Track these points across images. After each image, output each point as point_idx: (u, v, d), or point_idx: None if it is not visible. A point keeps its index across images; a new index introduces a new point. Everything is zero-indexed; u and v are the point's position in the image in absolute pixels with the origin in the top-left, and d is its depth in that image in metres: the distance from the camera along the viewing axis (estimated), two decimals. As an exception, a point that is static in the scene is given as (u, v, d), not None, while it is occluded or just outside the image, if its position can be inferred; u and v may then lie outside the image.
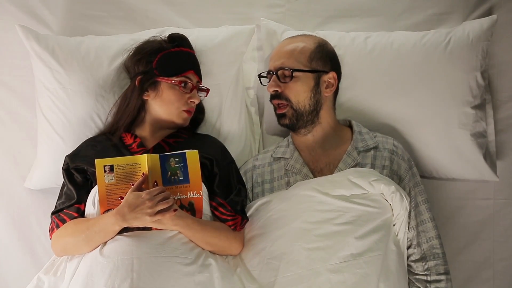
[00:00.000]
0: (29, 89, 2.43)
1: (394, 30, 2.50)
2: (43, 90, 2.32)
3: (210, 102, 2.34)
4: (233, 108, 2.40)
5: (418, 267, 2.14)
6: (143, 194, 1.88)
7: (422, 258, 2.14)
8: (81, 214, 2.05)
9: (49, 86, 2.31)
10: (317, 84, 2.23)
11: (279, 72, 2.23)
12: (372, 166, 2.19)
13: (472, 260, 2.46)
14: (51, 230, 2.07)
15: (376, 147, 2.24)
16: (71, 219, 2.03)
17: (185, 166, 1.96)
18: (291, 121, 2.24)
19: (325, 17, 2.60)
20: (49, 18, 2.51)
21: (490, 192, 2.47)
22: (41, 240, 2.42)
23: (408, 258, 2.14)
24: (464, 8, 2.54)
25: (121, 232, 1.93)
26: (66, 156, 2.15)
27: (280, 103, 2.24)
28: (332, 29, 2.53)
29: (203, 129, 2.35)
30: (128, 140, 2.16)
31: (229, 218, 2.08)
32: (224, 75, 2.37)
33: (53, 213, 2.09)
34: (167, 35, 2.23)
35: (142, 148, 2.12)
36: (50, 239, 2.07)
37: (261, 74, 2.34)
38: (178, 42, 2.19)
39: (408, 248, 2.14)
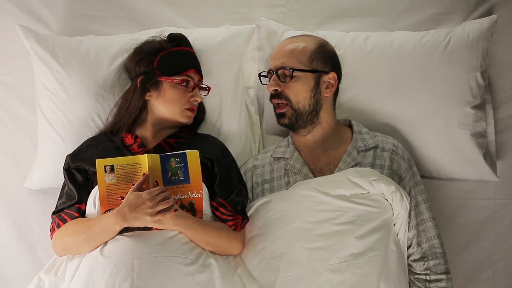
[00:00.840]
0: (29, 89, 2.43)
1: (394, 30, 2.50)
2: (43, 90, 2.32)
3: (210, 102, 2.34)
4: (233, 108, 2.40)
5: (418, 267, 2.14)
6: (144, 194, 1.88)
7: (423, 258, 2.14)
8: (82, 214, 2.06)
9: (49, 86, 2.31)
10: (317, 84, 2.23)
11: (280, 72, 2.23)
12: (372, 165, 2.19)
13: (472, 260, 2.46)
14: (52, 230, 2.07)
15: (376, 147, 2.24)
16: (72, 219, 2.04)
17: (185, 166, 1.96)
18: (290, 121, 2.24)
19: (325, 17, 2.59)
20: (49, 18, 2.51)
21: (490, 192, 2.47)
22: (41, 240, 2.42)
23: (408, 257, 2.14)
24: (464, 8, 2.54)
25: (121, 232, 1.93)
26: (67, 155, 2.15)
27: (279, 102, 2.24)
28: (332, 29, 2.53)
29: (203, 129, 2.35)
30: (129, 140, 2.16)
31: (229, 218, 2.08)
32: (224, 75, 2.37)
33: (53, 213, 2.09)
34: (167, 35, 2.23)
35: (143, 149, 2.12)
36: (51, 238, 2.07)
37: (262, 73, 2.34)
38: (178, 41, 2.19)
39: (408, 247, 2.14)
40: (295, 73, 2.21)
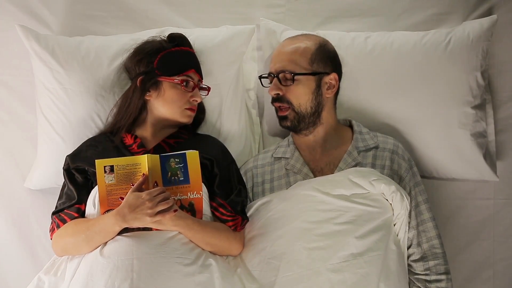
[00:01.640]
0: (29, 89, 2.43)
1: (394, 30, 2.50)
2: (43, 90, 2.32)
3: (210, 102, 2.34)
4: (233, 108, 2.40)
5: (418, 267, 2.14)
6: (143, 194, 1.88)
7: (423, 258, 2.14)
8: (82, 214, 2.05)
9: (49, 86, 2.31)
10: (318, 86, 2.23)
11: (280, 75, 2.22)
12: (373, 165, 2.19)
13: (472, 260, 2.46)
14: (52, 230, 2.07)
15: (376, 147, 2.24)
16: (71, 219, 2.03)
17: (185, 167, 1.95)
18: (292, 124, 2.24)
19: (325, 17, 2.59)
20: (49, 18, 2.51)
21: (490, 192, 2.47)
22: (41, 240, 2.42)
23: (408, 257, 2.14)
24: (464, 8, 2.54)
25: (121, 232, 1.92)
26: (67, 156, 2.15)
27: (281, 105, 2.24)
28: (332, 29, 2.53)
29: (203, 129, 2.35)
30: (129, 140, 2.16)
31: (229, 218, 2.08)
32: (224, 75, 2.37)
33: (53, 213, 2.09)
34: (167, 35, 2.23)
35: (143, 149, 2.12)
36: (51, 239, 2.07)
37: (262, 76, 2.33)
38: (178, 41, 2.19)
39: (408, 247, 2.14)
40: (296, 77, 2.20)
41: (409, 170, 2.22)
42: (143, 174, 1.93)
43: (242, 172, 2.30)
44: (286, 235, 2.03)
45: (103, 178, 1.93)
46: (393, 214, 2.08)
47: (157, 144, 2.16)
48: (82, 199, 2.06)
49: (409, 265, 2.15)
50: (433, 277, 2.13)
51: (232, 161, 2.20)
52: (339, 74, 2.29)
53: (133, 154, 2.11)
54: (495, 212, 2.46)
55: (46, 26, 2.50)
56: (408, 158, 2.25)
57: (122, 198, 1.90)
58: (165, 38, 2.22)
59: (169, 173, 1.96)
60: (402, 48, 2.40)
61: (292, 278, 1.96)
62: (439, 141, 2.36)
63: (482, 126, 2.39)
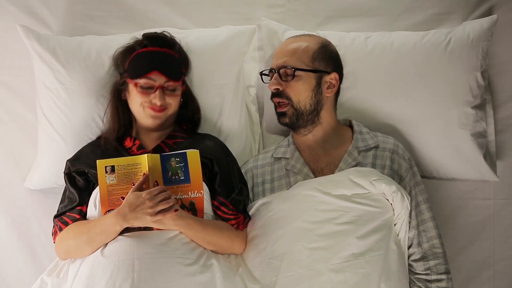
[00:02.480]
0: (29, 89, 2.43)
1: (394, 30, 2.50)
2: (44, 90, 2.32)
3: (211, 102, 2.34)
4: (233, 108, 2.40)
5: (419, 267, 2.14)
6: (144, 194, 1.88)
7: (423, 258, 2.14)
8: (84, 216, 2.06)
9: (50, 86, 2.30)
10: (318, 84, 2.23)
11: (281, 71, 2.23)
12: (373, 165, 2.19)
13: (472, 260, 2.46)
14: (54, 234, 2.08)
15: (376, 147, 2.24)
16: (73, 222, 2.04)
17: (186, 166, 1.95)
18: (291, 120, 2.24)
19: (325, 17, 2.59)
20: (49, 18, 2.51)
21: (490, 192, 2.47)
22: (41, 240, 2.42)
23: (409, 257, 2.14)
24: (464, 8, 2.54)
25: (122, 232, 1.92)
26: (67, 160, 2.16)
27: (280, 101, 2.24)
28: (332, 29, 2.53)
29: (203, 129, 2.34)
30: (128, 143, 2.16)
31: (231, 217, 2.08)
32: (225, 75, 2.37)
33: (55, 217, 2.09)
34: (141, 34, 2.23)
35: (142, 151, 2.13)
36: (54, 242, 2.08)
37: (263, 72, 2.33)
38: (147, 42, 2.17)
39: (409, 247, 2.14)
40: (297, 73, 2.20)
41: (409, 170, 2.22)
42: (144, 173, 1.93)
43: (242, 172, 2.30)
44: (287, 235, 2.03)
45: (104, 178, 1.93)
46: (394, 214, 2.08)
47: (156, 146, 2.16)
48: (84, 201, 2.06)
49: (409, 265, 2.15)
50: (434, 277, 2.13)
51: (232, 159, 2.20)
52: (340, 75, 2.29)
53: (132, 156, 2.11)
54: (495, 212, 2.47)
55: (46, 26, 2.50)
56: (408, 158, 2.25)
57: (123, 198, 1.90)
58: (140, 38, 2.21)
59: (170, 172, 1.96)
60: (402, 48, 2.40)
61: (293, 278, 1.96)
62: (439, 141, 2.36)
63: (482, 126, 2.39)
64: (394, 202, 2.07)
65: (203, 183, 2.00)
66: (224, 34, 2.41)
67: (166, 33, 2.23)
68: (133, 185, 1.92)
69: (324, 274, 1.94)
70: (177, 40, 2.25)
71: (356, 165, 2.19)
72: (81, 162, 2.13)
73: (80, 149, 2.20)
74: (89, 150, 2.19)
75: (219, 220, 2.08)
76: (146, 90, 2.10)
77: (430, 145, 2.37)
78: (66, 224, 2.04)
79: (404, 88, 2.37)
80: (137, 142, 2.16)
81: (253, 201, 2.23)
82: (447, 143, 2.36)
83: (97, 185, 1.97)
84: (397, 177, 2.19)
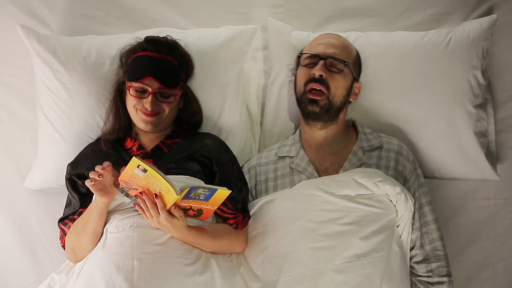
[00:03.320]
0: (29, 89, 2.43)
1: (394, 30, 2.50)
2: (44, 90, 2.31)
3: (211, 102, 2.34)
4: (233, 108, 2.40)
5: (421, 269, 2.14)
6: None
7: (425, 260, 2.14)
8: None
9: (50, 86, 2.30)
10: (351, 86, 2.27)
11: (329, 61, 2.23)
12: (377, 166, 2.20)
13: (472, 260, 2.46)
14: (61, 238, 2.10)
15: (380, 147, 2.24)
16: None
17: (210, 195, 1.85)
18: (321, 110, 2.23)
19: (325, 17, 2.59)
20: (49, 18, 2.51)
21: (490, 192, 2.47)
22: (41, 240, 2.42)
23: (411, 259, 2.15)
24: (464, 8, 2.54)
25: (123, 229, 1.92)
26: (68, 164, 2.16)
27: (318, 88, 2.23)
28: (332, 29, 2.53)
29: (203, 129, 2.34)
30: (128, 143, 2.17)
31: (230, 216, 2.08)
32: (226, 75, 2.37)
33: (59, 221, 2.10)
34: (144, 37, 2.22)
35: (142, 151, 2.13)
36: (62, 246, 2.10)
37: (303, 53, 2.31)
38: (147, 46, 2.16)
39: (411, 249, 2.14)
40: (345, 68, 2.23)
41: (414, 172, 2.23)
42: (155, 194, 1.84)
43: (245, 169, 2.31)
44: (290, 234, 2.03)
45: (133, 169, 1.81)
46: (397, 215, 2.08)
47: (155, 146, 2.16)
48: (86, 203, 2.06)
49: (411, 267, 2.15)
50: (436, 279, 2.13)
51: (232, 158, 2.19)
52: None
53: (132, 156, 2.11)
54: (495, 212, 2.46)
55: (46, 26, 2.50)
56: (413, 160, 2.26)
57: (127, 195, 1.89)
58: (143, 39, 2.21)
59: (193, 194, 1.85)
60: (402, 48, 2.40)
61: (295, 277, 1.96)
62: (441, 141, 2.36)
63: (484, 126, 2.39)
64: (398, 204, 2.07)
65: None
66: (225, 34, 2.40)
67: (168, 37, 2.22)
68: (141, 193, 1.86)
69: (327, 274, 1.94)
70: (182, 44, 2.24)
71: (360, 165, 2.19)
72: (81, 165, 2.13)
73: (80, 152, 2.21)
74: (89, 151, 2.19)
75: (217, 224, 2.08)
76: (140, 94, 2.10)
77: (432, 144, 2.37)
78: (69, 227, 2.06)
79: (405, 88, 2.37)
80: (136, 142, 2.16)
81: (256, 198, 2.23)
82: (449, 142, 2.36)
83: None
84: (401, 178, 2.19)
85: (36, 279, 2.32)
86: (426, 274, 2.14)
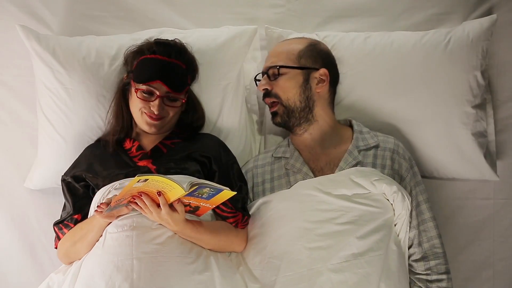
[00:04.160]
0: (29, 89, 2.43)
1: (394, 30, 2.50)
2: (44, 90, 2.32)
3: (211, 102, 2.34)
4: (233, 108, 2.40)
5: (419, 267, 2.14)
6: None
7: (423, 258, 2.14)
8: None
9: (50, 86, 2.31)
10: (306, 80, 2.24)
11: (270, 71, 2.25)
12: (373, 165, 2.19)
13: (472, 260, 2.46)
14: (55, 241, 2.11)
15: (377, 146, 2.24)
16: (69, 230, 2.07)
17: (214, 194, 1.86)
18: (283, 119, 2.25)
19: (325, 17, 2.59)
20: (49, 18, 2.51)
21: (490, 192, 2.47)
22: (41, 240, 2.43)
23: (409, 257, 2.14)
24: (464, 8, 2.54)
25: (123, 228, 1.92)
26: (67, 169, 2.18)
27: (271, 101, 2.26)
28: (332, 29, 2.53)
29: (203, 129, 2.34)
30: (128, 144, 2.17)
31: (229, 215, 2.08)
32: (226, 75, 2.37)
33: (54, 224, 2.11)
34: (154, 39, 2.23)
35: (141, 152, 2.13)
36: (55, 248, 2.11)
37: (257, 77, 2.35)
38: (156, 48, 2.15)
39: (409, 247, 2.14)
40: (282, 70, 2.23)
41: (410, 170, 2.22)
42: (158, 192, 1.84)
43: (242, 172, 2.30)
44: (287, 235, 2.03)
45: (133, 184, 1.82)
46: (394, 214, 2.08)
47: (154, 147, 2.16)
48: (79, 209, 2.09)
49: (410, 265, 2.15)
50: (434, 277, 2.13)
51: (232, 158, 2.20)
52: (332, 71, 2.29)
53: (131, 157, 2.12)
54: (495, 212, 2.47)
55: (46, 26, 2.50)
56: (409, 158, 2.25)
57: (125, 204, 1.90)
58: (152, 42, 2.21)
59: (197, 193, 1.86)
60: (402, 48, 2.40)
61: (293, 277, 1.96)
62: (440, 141, 2.36)
63: (483, 126, 2.39)
64: (395, 202, 2.07)
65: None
66: (225, 34, 2.40)
67: (177, 41, 2.22)
68: (140, 194, 1.86)
69: (324, 274, 1.94)
70: (189, 48, 2.23)
71: (356, 165, 2.18)
72: (79, 167, 2.14)
73: (80, 154, 2.21)
74: (88, 153, 2.20)
75: (217, 221, 2.08)
76: (147, 96, 2.10)
77: (430, 144, 2.37)
78: (63, 232, 2.08)
79: (404, 88, 2.37)
80: (136, 143, 2.16)
81: (253, 200, 2.23)
82: (448, 143, 2.36)
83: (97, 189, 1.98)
84: (397, 177, 2.19)
85: (36, 279, 2.32)
86: (425, 272, 2.14)
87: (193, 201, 1.87)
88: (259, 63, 2.56)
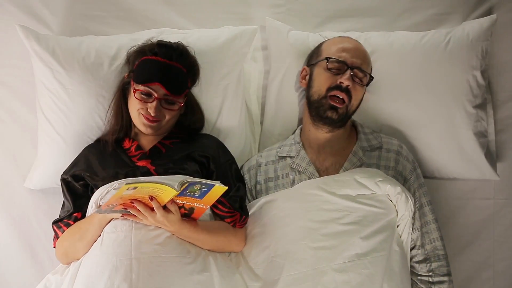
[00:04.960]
0: (29, 89, 2.42)
1: (394, 30, 2.50)
2: (44, 90, 2.31)
3: (211, 102, 2.34)
4: (233, 108, 2.40)
5: (421, 268, 2.15)
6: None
7: (426, 259, 2.15)
8: None
9: (49, 86, 2.30)
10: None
11: (356, 71, 2.21)
12: (377, 166, 2.20)
13: (472, 260, 2.46)
14: (54, 240, 2.11)
15: (380, 147, 2.24)
16: (68, 228, 2.07)
17: (206, 191, 1.86)
18: (339, 118, 2.21)
19: (325, 17, 2.59)
20: (49, 18, 2.51)
21: (490, 192, 2.47)
22: (41, 240, 2.42)
23: (411, 259, 2.15)
24: (464, 8, 2.54)
25: (122, 228, 1.92)
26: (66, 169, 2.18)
27: (342, 97, 2.20)
28: (332, 29, 2.53)
29: (203, 129, 2.34)
30: (127, 144, 2.17)
31: (227, 215, 2.08)
32: (226, 75, 2.36)
33: (53, 223, 2.11)
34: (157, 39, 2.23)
35: (140, 151, 2.13)
36: (54, 247, 2.11)
37: (331, 59, 2.23)
38: (158, 50, 2.14)
39: (411, 249, 2.14)
40: (366, 81, 2.25)
41: (413, 172, 2.23)
42: (150, 196, 1.85)
43: (245, 169, 2.32)
44: (291, 234, 2.03)
45: (122, 192, 1.83)
46: (397, 215, 2.08)
47: (153, 146, 2.16)
48: (79, 207, 2.09)
49: (412, 266, 2.15)
50: (436, 279, 2.14)
51: (230, 158, 2.20)
52: None
53: (130, 157, 2.12)
54: (495, 212, 2.47)
55: (46, 26, 2.50)
56: (412, 160, 2.26)
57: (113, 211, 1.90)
58: (154, 43, 2.20)
59: (189, 191, 1.86)
60: (402, 48, 2.40)
61: (297, 277, 1.96)
62: (441, 141, 2.36)
63: (483, 126, 2.39)
64: (398, 204, 2.07)
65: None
66: (225, 34, 2.40)
67: (179, 43, 2.21)
68: (132, 202, 1.86)
69: (328, 274, 1.94)
70: (191, 51, 2.23)
71: (361, 165, 2.19)
72: (78, 166, 2.15)
73: (79, 154, 2.21)
74: (87, 153, 2.19)
75: (215, 221, 2.08)
76: (145, 98, 2.10)
77: (431, 145, 2.37)
78: (62, 230, 2.07)
79: (404, 88, 2.37)
80: (135, 143, 2.16)
81: (256, 198, 2.23)
82: (449, 143, 2.36)
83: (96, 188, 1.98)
84: (401, 178, 2.19)
85: (36, 279, 2.31)
86: (427, 274, 2.14)
87: (187, 202, 1.87)
88: (259, 63, 2.56)
